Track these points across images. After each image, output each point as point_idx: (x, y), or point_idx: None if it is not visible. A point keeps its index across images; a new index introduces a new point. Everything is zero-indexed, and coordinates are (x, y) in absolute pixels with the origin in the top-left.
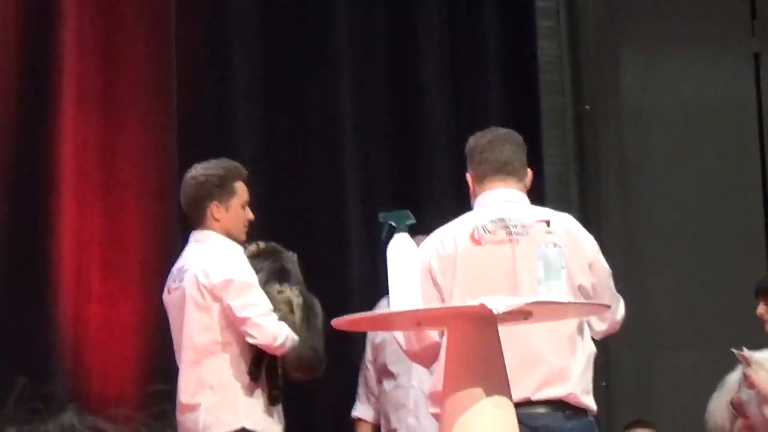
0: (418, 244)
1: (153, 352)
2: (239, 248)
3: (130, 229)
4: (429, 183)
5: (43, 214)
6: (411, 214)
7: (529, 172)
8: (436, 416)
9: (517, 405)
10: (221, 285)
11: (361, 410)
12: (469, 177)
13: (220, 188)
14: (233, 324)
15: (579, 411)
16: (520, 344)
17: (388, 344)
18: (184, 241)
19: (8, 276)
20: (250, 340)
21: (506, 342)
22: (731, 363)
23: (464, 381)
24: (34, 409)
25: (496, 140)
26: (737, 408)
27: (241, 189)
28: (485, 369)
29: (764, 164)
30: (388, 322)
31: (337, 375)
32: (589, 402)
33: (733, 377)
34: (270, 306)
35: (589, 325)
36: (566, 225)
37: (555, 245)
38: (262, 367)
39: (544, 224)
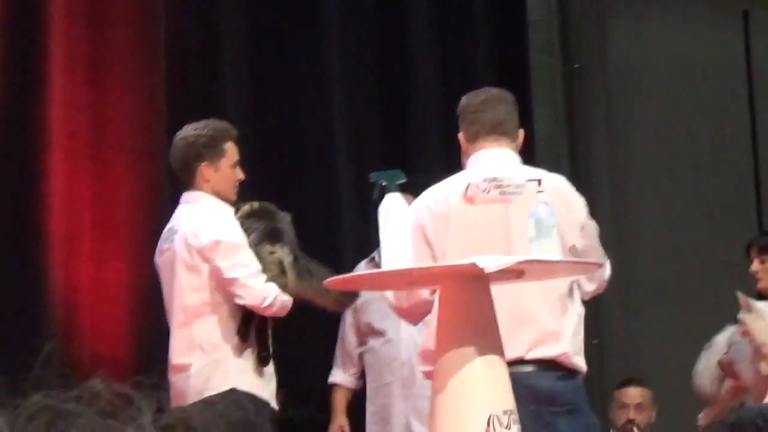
0: (408, 204)
1: (144, 313)
2: (229, 209)
3: (120, 190)
4: (419, 143)
5: (32, 176)
6: (402, 174)
7: (521, 132)
8: (428, 374)
9: (510, 364)
10: (210, 246)
11: (338, 375)
12: (461, 136)
13: (210, 149)
14: (222, 285)
15: (571, 372)
16: (513, 304)
17: (372, 303)
18: (175, 202)
19: (1, 240)
20: (238, 301)
21: (499, 302)
22: (722, 321)
23: (457, 340)
24: (62, 374)
25: (490, 100)
26: (725, 368)
27: (231, 149)
28: (478, 328)
29: (754, 121)
30: (381, 282)
31: (327, 341)
32: (581, 363)
33: (721, 338)
34: (259, 267)
35: (579, 286)
36: (558, 186)
37: (546, 204)
38: (251, 328)
39: (536, 183)
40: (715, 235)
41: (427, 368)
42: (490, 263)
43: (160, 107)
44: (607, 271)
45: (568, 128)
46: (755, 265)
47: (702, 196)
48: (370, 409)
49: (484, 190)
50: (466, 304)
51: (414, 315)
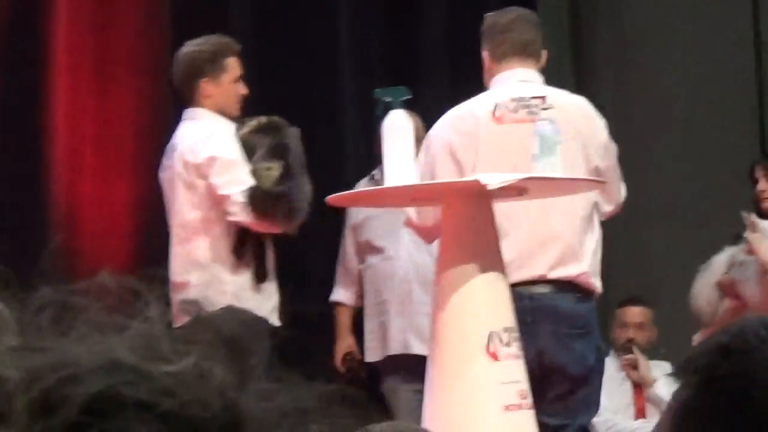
0: (412, 121)
1: (147, 230)
2: (229, 125)
3: (123, 106)
4: (425, 59)
5: (35, 91)
6: (407, 90)
7: (545, 53)
8: None
9: (532, 282)
10: (206, 162)
11: (340, 294)
12: (485, 55)
13: (211, 64)
14: (217, 202)
15: (588, 293)
16: (538, 223)
17: (371, 220)
18: (178, 118)
19: (1, 154)
20: (230, 218)
21: (523, 220)
22: (724, 241)
23: (459, 257)
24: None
25: (518, 20)
26: (726, 288)
27: (232, 64)
28: (480, 245)
29: (759, 36)
30: (384, 198)
31: (329, 259)
32: (598, 283)
33: (720, 258)
34: (251, 183)
35: (597, 208)
36: (583, 106)
37: (551, 122)
38: (246, 245)
39: (540, 100)
40: (717, 159)
41: None
42: (492, 180)
43: (163, 22)
44: (623, 192)
45: (573, 46)
46: (762, 184)
47: (709, 115)
48: (368, 326)
49: (513, 110)
50: (469, 221)
51: (436, 234)
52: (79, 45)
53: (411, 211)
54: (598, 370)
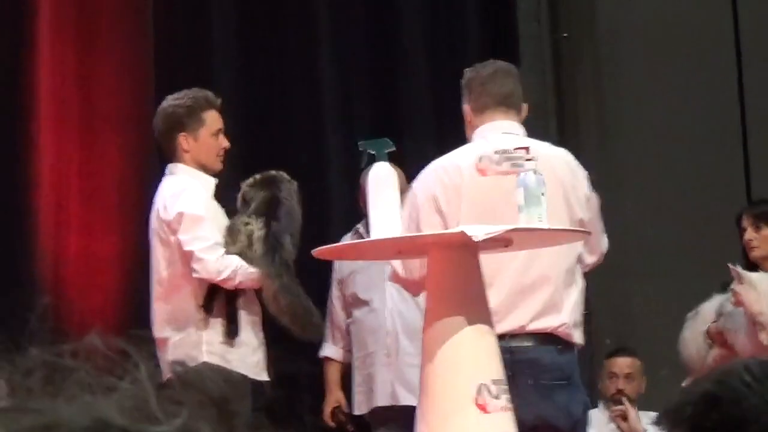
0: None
1: (132, 285)
2: (209, 180)
3: (108, 160)
4: (408, 111)
5: (21, 145)
6: (391, 142)
7: (525, 105)
8: None
9: (512, 335)
10: (175, 218)
11: (329, 349)
12: (466, 108)
13: (188, 118)
14: (184, 258)
15: (568, 345)
16: (523, 273)
17: (357, 274)
18: (163, 171)
19: None
20: (194, 275)
21: (509, 270)
22: (709, 291)
23: (446, 309)
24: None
25: (498, 73)
26: (714, 337)
27: (211, 118)
28: (467, 297)
29: (741, 85)
30: (370, 251)
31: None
32: (579, 336)
33: (709, 306)
34: (216, 240)
35: (581, 260)
36: (567, 159)
37: (535, 172)
38: (214, 301)
39: (523, 151)
40: (704, 203)
41: None
42: (478, 232)
43: (148, 75)
44: (605, 242)
45: (557, 98)
46: (749, 233)
47: (691, 162)
48: (356, 379)
49: (496, 162)
50: (455, 273)
51: (422, 287)
52: (64, 98)
53: (396, 265)
54: (585, 423)
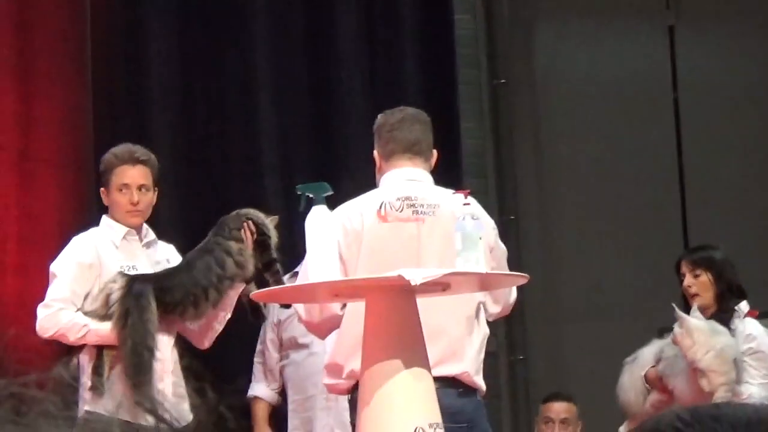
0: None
1: None
2: (118, 233)
3: (46, 202)
4: (345, 155)
5: None
6: (329, 186)
7: (435, 153)
8: (330, 387)
9: None
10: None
11: (261, 390)
12: (376, 154)
13: (103, 175)
14: None
15: (470, 390)
16: (423, 320)
17: (295, 318)
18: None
19: None
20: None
21: None
22: (645, 336)
23: (383, 352)
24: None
25: (406, 119)
26: (653, 382)
27: (118, 174)
28: (404, 340)
29: (679, 137)
30: (307, 294)
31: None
32: (480, 382)
33: (647, 351)
34: (54, 297)
35: (485, 308)
36: (472, 209)
37: (473, 217)
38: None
39: (462, 196)
40: (640, 249)
41: (331, 382)
42: (416, 276)
43: (86, 117)
44: (513, 294)
45: (495, 143)
46: (688, 280)
47: (627, 204)
48: (293, 423)
49: (398, 209)
50: (393, 317)
51: (324, 330)
52: (2, 141)
53: (299, 308)
54: None
